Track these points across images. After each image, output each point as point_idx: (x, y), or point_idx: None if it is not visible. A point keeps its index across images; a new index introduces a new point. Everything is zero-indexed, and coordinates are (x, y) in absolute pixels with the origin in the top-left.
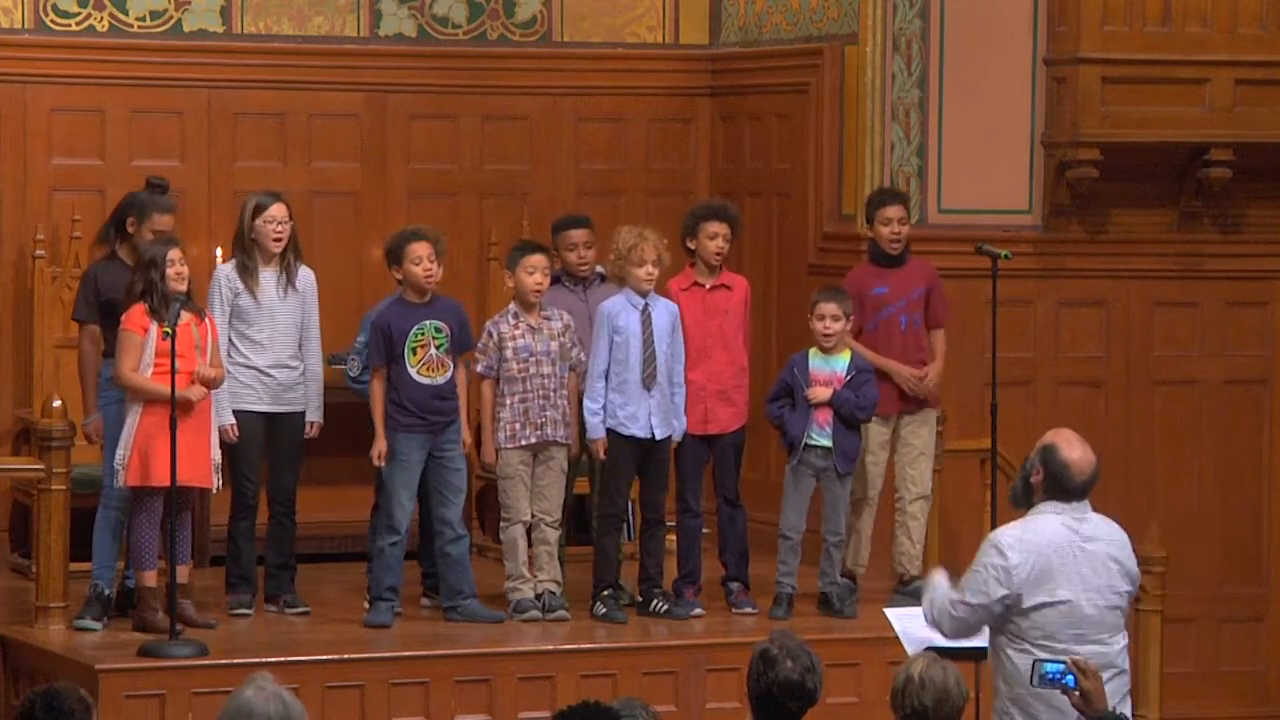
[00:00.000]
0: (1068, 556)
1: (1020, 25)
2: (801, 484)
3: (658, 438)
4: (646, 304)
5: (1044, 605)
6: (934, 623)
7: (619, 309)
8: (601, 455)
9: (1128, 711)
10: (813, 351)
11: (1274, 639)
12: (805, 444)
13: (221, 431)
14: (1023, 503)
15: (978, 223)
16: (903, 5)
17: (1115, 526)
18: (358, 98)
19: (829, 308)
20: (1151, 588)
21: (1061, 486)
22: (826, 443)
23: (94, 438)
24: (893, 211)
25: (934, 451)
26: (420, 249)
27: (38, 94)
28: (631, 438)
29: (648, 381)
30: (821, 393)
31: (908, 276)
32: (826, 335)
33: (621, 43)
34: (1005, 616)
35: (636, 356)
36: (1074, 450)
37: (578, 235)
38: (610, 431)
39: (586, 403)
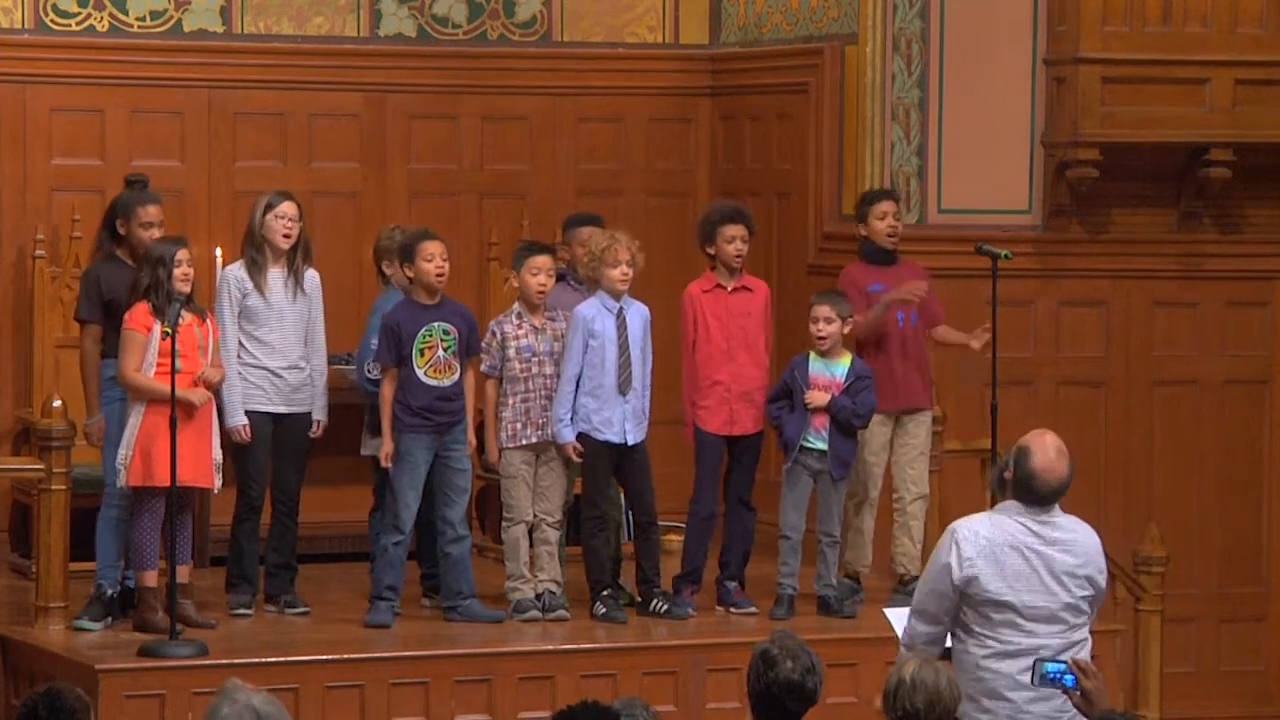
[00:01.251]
0: (1020, 559)
1: (1020, 25)
2: (799, 484)
3: (630, 443)
4: (621, 307)
5: (986, 601)
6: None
7: (594, 314)
8: (575, 458)
9: None
10: (813, 354)
11: (1274, 639)
12: (802, 446)
13: (233, 432)
14: (999, 492)
15: (978, 223)
16: (903, 5)
17: (1083, 533)
18: (358, 98)
19: (822, 309)
20: (1151, 588)
21: (1028, 491)
22: (823, 446)
23: (94, 440)
24: (886, 206)
25: (929, 451)
26: (433, 247)
27: (38, 94)
28: (606, 442)
29: (623, 386)
30: (819, 398)
31: (901, 275)
32: (821, 338)
33: (621, 43)
34: (957, 604)
35: (612, 361)
36: (1044, 458)
37: (592, 233)
38: (585, 436)
39: (555, 408)
